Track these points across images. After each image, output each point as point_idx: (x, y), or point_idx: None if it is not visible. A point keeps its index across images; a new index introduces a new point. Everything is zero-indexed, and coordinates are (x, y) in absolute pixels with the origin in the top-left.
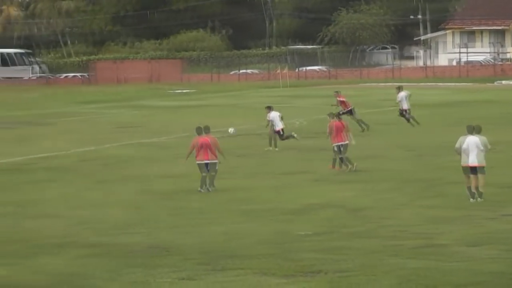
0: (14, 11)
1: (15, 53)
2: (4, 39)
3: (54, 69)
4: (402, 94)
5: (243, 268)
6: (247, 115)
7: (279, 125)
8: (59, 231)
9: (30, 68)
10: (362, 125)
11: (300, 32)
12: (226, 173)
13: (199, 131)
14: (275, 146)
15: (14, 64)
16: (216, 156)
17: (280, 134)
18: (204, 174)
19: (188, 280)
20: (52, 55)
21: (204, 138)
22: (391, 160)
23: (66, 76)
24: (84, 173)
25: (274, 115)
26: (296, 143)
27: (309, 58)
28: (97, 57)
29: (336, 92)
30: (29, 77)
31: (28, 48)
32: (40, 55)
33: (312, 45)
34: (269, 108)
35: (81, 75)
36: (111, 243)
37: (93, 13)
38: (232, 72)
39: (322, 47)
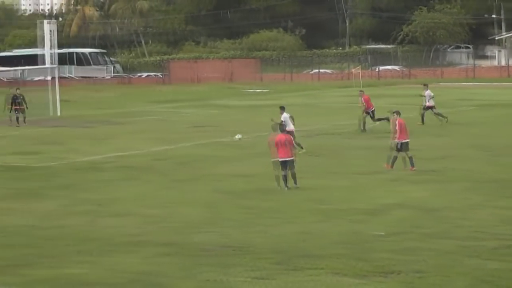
0: (90, 11)
1: (91, 53)
2: (80, 38)
3: (130, 69)
4: (428, 92)
5: (318, 268)
6: (322, 115)
7: (290, 127)
8: (135, 230)
9: (106, 67)
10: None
11: (376, 31)
12: (301, 172)
13: (281, 128)
14: None
15: (93, 63)
16: (292, 154)
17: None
18: (279, 172)
19: (264, 280)
20: (129, 54)
21: (281, 136)
22: (466, 160)
23: (142, 76)
24: (160, 172)
25: (286, 116)
26: (372, 143)
27: (385, 58)
28: (173, 56)
29: (361, 91)
30: (106, 77)
31: (104, 48)
32: (121, 54)
33: (388, 44)
34: (282, 109)
35: (157, 75)
36: (185, 242)
37: (169, 13)
38: (307, 72)
39: (397, 47)
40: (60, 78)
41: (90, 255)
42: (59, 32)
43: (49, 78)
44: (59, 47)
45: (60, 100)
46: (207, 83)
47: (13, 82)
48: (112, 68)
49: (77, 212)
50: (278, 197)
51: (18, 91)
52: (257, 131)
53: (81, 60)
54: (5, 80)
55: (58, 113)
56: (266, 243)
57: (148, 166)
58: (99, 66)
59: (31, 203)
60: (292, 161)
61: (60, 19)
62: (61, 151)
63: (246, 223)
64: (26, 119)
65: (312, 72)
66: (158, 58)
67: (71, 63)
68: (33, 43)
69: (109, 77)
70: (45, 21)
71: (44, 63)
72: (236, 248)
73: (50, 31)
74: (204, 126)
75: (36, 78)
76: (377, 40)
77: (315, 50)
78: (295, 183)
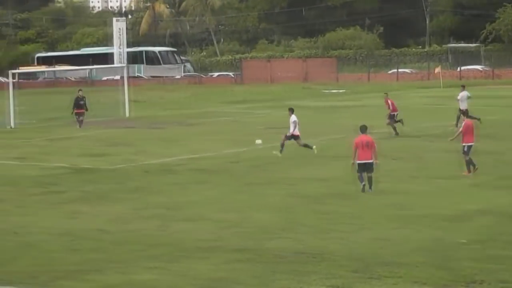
0: (160, 8)
1: (162, 52)
2: (154, 37)
3: (202, 68)
4: (463, 93)
5: (397, 276)
6: (403, 117)
7: (295, 130)
8: (207, 235)
9: (180, 66)
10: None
11: (461, 30)
12: (381, 176)
13: (363, 129)
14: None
15: (164, 62)
16: (373, 157)
17: (296, 138)
18: (360, 174)
19: None
20: (201, 53)
21: (367, 137)
22: None
23: (214, 75)
24: (233, 175)
25: (295, 118)
26: (453, 146)
27: (471, 57)
28: (248, 55)
29: (385, 94)
30: (177, 76)
31: (174, 46)
32: (192, 53)
33: (474, 43)
34: (291, 111)
35: (232, 74)
36: (259, 248)
37: (245, 10)
38: (388, 72)
39: (484, 45)
40: (130, 77)
41: (160, 261)
42: (129, 30)
43: (118, 77)
44: (129, 45)
45: (130, 101)
46: (281, 83)
47: (82, 82)
48: (183, 67)
49: (147, 216)
50: (355, 202)
51: (80, 92)
52: (333, 133)
53: (152, 59)
54: (73, 79)
55: (128, 114)
56: (343, 250)
57: (220, 169)
58: (170, 65)
59: (100, 206)
60: (371, 164)
61: (130, 16)
62: (131, 153)
63: (322, 229)
64: (82, 123)
65: (389, 72)
66: (230, 57)
67: (141, 62)
68: (101, 42)
69: (180, 77)
70: (114, 19)
71: (114, 62)
72: (312, 255)
73: (120, 29)
74: (278, 127)
75: (105, 78)
76: (459, 38)
77: (394, 49)
78: (370, 188)
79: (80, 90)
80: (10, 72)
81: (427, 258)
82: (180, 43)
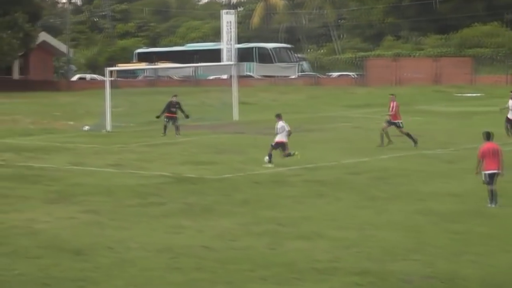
0: (278, 0)
1: (279, 48)
2: (266, 31)
3: (323, 67)
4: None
5: None
6: None
7: (283, 137)
8: (324, 255)
9: (295, 65)
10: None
11: None
12: None
13: (488, 136)
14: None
15: (277, 61)
16: (499, 166)
17: (278, 146)
18: (490, 186)
19: None
20: (321, 50)
21: (494, 145)
22: None
23: (336, 76)
24: (354, 188)
25: (282, 124)
26: None
27: None
28: (372, 53)
29: (392, 95)
30: (292, 76)
31: (289, 43)
32: (308, 50)
33: None
34: (278, 117)
35: (354, 75)
36: (382, 270)
37: (369, 3)
38: None
39: None
40: (240, 77)
41: (271, 283)
42: (240, 24)
43: (225, 76)
44: (239, 41)
45: (239, 103)
46: (409, 85)
47: (186, 81)
48: (299, 66)
49: (256, 232)
50: (492, 220)
51: (174, 98)
52: (467, 142)
53: (264, 57)
54: (177, 78)
55: (236, 117)
56: (477, 275)
57: (339, 181)
58: (284, 64)
59: (204, 220)
60: (497, 175)
61: (241, 9)
62: (239, 161)
63: (453, 250)
64: (179, 128)
65: None
66: (352, 55)
67: (252, 59)
68: (208, 37)
69: (295, 77)
70: (223, 11)
71: (222, 60)
72: (441, 279)
73: (229, 22)
74: (403, 135)
75: (212, 77)
76: None
77: None
78: (491, 201)
79: (175, 95)
80: (107, 69)
81: None
82: (295, 39)
